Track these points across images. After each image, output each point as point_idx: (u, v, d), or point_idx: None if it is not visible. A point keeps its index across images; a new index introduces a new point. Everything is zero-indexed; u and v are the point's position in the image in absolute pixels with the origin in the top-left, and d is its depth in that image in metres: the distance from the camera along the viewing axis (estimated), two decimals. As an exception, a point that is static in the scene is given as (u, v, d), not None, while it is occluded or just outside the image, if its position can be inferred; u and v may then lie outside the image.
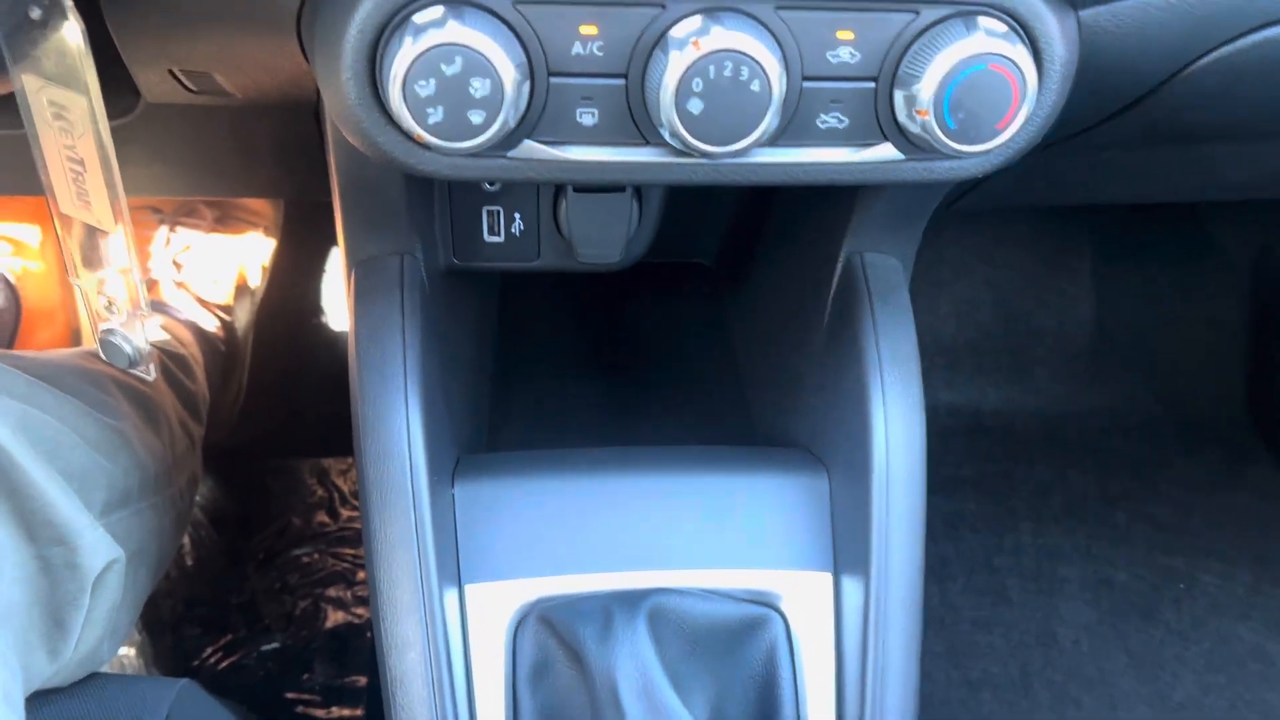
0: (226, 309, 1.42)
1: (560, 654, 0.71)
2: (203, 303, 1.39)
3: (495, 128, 0.57)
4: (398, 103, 0.56)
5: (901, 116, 0.61)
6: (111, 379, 0.97)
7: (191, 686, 0.77)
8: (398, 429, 0.70)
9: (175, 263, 1.38)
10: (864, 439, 0.74)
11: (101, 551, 0.72)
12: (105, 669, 0.81)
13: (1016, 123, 0.61)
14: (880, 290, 0.80)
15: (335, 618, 1.41)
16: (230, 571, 1.47)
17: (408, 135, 0.58)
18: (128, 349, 0.79)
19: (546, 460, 0.79)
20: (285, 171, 1.03)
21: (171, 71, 0.77)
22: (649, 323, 1.10)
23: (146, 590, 0.89)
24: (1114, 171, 1.11)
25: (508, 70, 0.56)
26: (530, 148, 0.61)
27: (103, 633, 0.75)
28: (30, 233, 1.47)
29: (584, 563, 0.73)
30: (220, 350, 1.39)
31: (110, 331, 0.78)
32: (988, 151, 0.62)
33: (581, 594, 0.71)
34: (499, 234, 0.85)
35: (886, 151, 0.63)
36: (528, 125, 0.60)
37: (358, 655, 1.37)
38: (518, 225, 0.84)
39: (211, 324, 1.39)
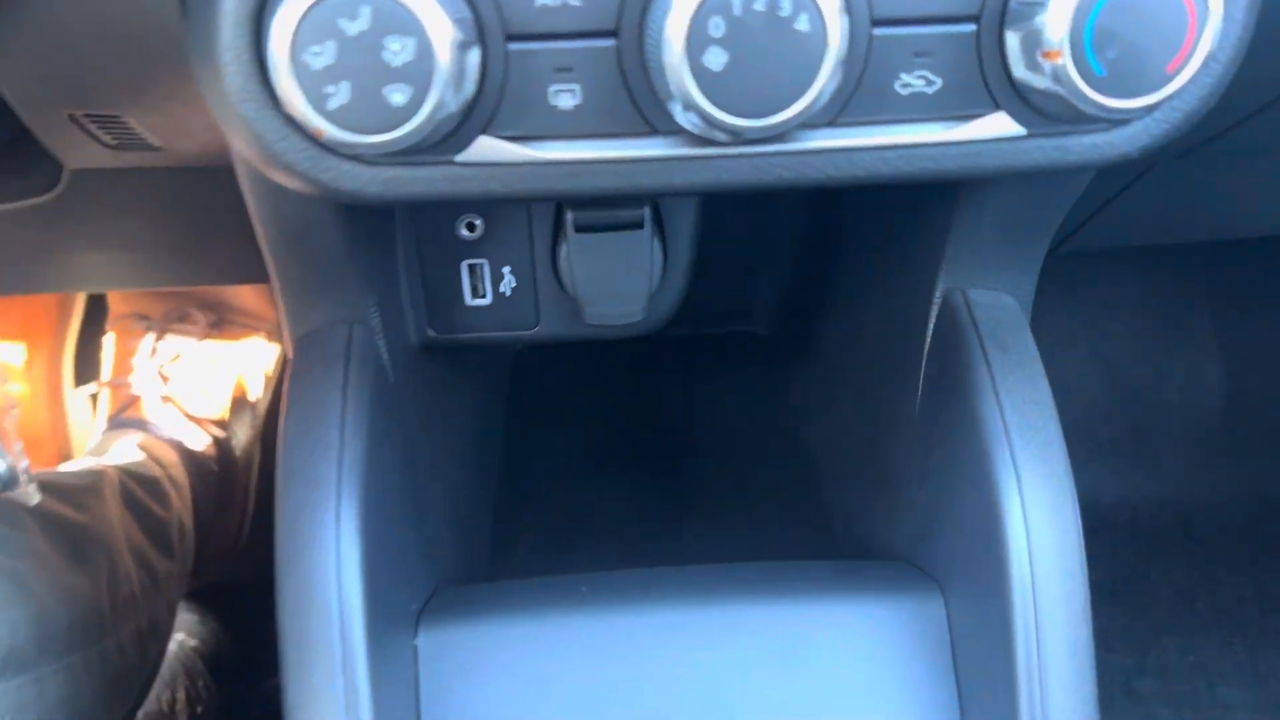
0: (221, 424, 1.25)
1: None
2: (192, 418, 1.21)
3: (426, 111, 0.39)
4: (286, 81, 0.39)
5: (1019, 69, 0.42)
6: (30, 510, 0.78)
7: None
8: (322, 561, 0.50)
9: (162, 375, 1.22)
10: (995, 542, 0.52)
11: None
12: None
13: (1194, 62, 0.41)
14: (995, 335, 0.59)
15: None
16: (232, 727, 1.26)
17: (306, 132, 0.41)
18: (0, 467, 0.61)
19: (554, 591, 0.58)
20: (251, 249, 0.86)
21: (74, 118, 0.61)
22: (693, 408, 0.89)
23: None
24: (1262, 192, 0.90)
25: (440, 25, 0.38)
26: (487, 146, 0.43)
27: None
28: (14, 351, 1.32)
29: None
30: (213, 471, 1.21)
31: (-22, 445, 0.60)
32: (1152, 109, 0.42)
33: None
34: (484, 295, 0.66)
35: (999, 125, 0.44)
36: (481, 113, 0.42)
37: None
38: (508, 283, 0.65)
39: (201, 442, 1.21)
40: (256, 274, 0.97)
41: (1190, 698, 1.25)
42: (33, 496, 0.61)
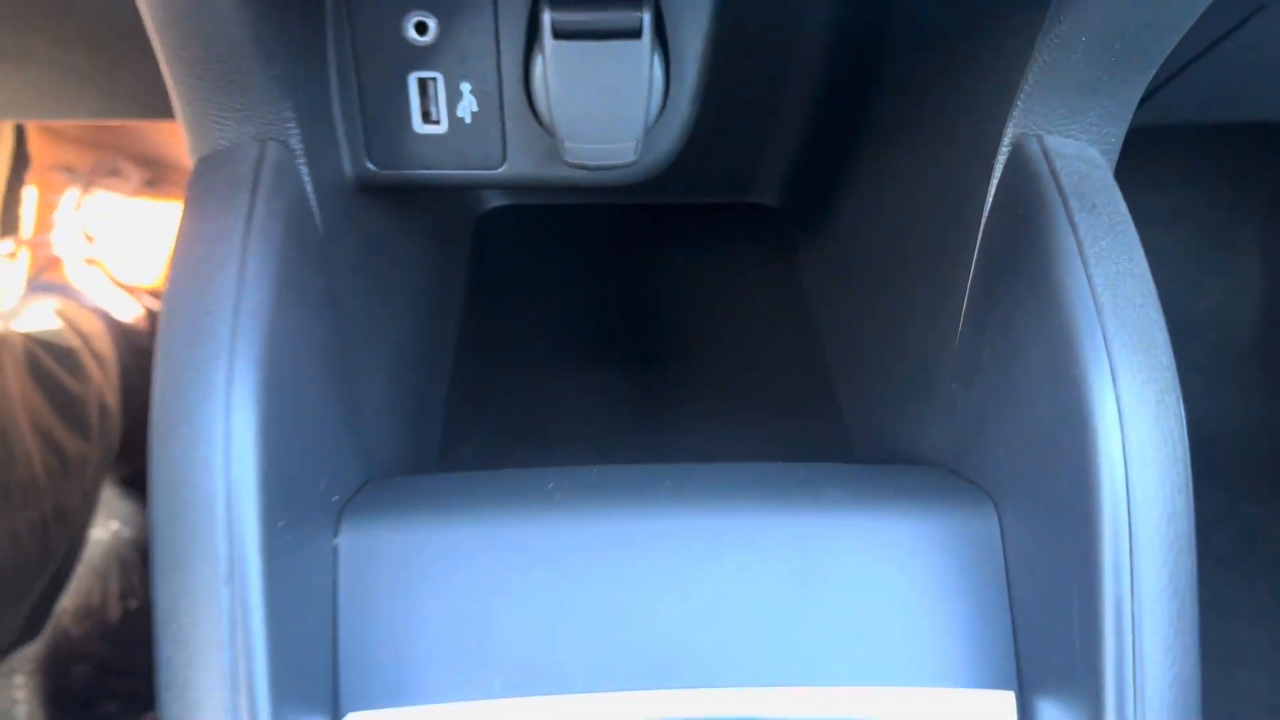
0: (156, 294, 1.12)
1: None
2: (121, 285, 1.08)
3: None
4: None
5: None
6: None
7: None
8: (207, 435, 0.38)
9: (87, 234, 1.08)
10: (1078, 450, 0.40)
11: None
12: None
13: None
14: (1081, 192, 0.46)
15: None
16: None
17: None
18: None
19: (513, 484, 0.46)
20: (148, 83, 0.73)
21: None
22: (687, 289, 0.76)
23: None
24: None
25: None
26: None
27: None
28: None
29: (564, 676, 0.40)
30: (143, 345, 1.08)
31: None
32: None
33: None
34: (438, 120, 0.52)
35: None
36: None
37: None
38: (467, 105, 0.52)
39: (132, 312, 1.08)
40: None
41: (1204, 640, 1.15)
42: None
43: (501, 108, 0.52)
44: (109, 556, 1.20)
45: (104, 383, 0.97)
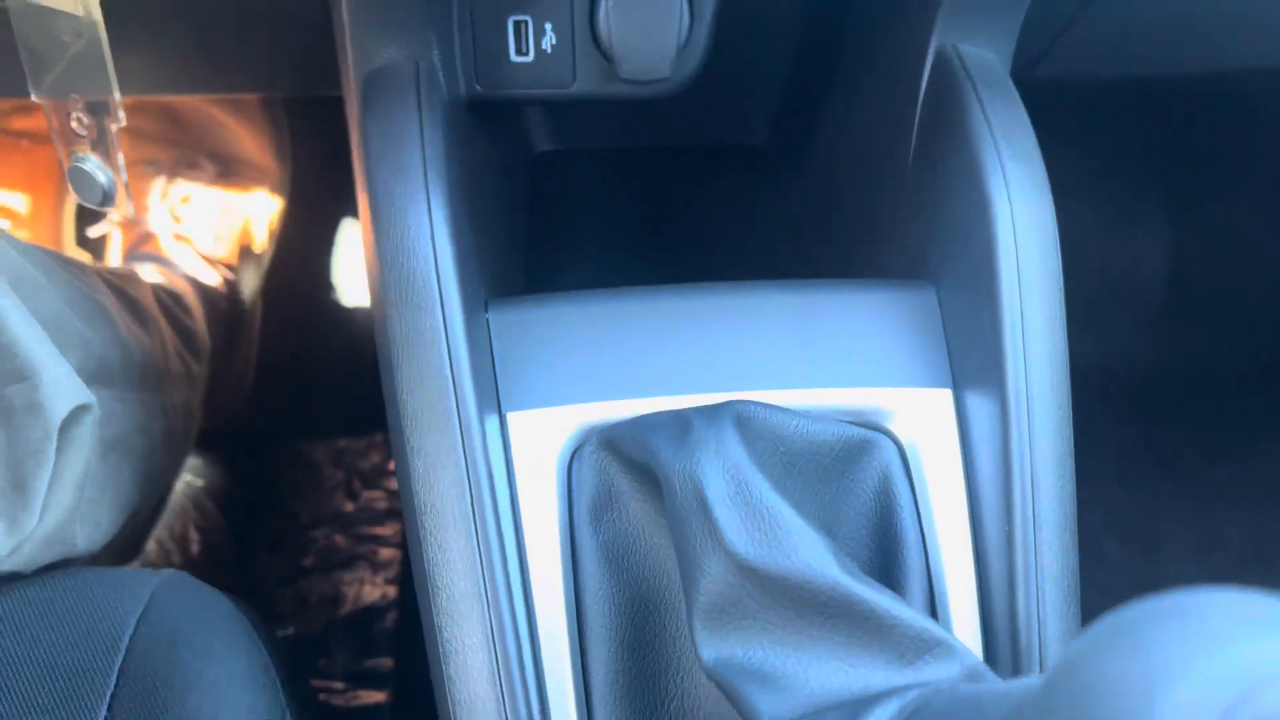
0: (230, 267, 1.31)
1: (627, 484, 0.57)
2: (204, 258, 1.27)
3: None
4: None
5: None
6: (96, 272, 0.85)
7: (179, 574, 0.63)
8: (419, 222, 0.58)
9: (174, 214, 1.27)
10: (984, 234, 0.61)
11: (68, 392, 0.59)
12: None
13: None
14: (984, 78, 0.67)
15: (355, 601, 1.26)
16: (238, 558, 1.33)
17: None
18: (101, 178, 0.67)
19: (597, 293, 0.65)
20: (282, 49, 0.92)
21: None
22: (700, 207, 0.97)
23: (132, 496, 0.75)
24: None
25: None
26: None
27: (73, 504, 0.62)
28: (18, 201, 1.37)
29: (649, 386, 0.60)
30: (223, 309, 1.27)
31: (82, 158, 0.67)
32: None
33: (648, 414, 0.58)
34: (527, 52, 0.73)
35: None
36: None
37: (380, 638, 1.22)
38: (549, 39, 0.72)
39: (213, 279, 1.27)
40: (289, 80, 1.03)
41: (1134, 532, 1.36)
42: (130, 209, 0.67)
43: (573, 41, 0.72)
44: (184, 500, 1.37)
45: (203, 326, 1.15)
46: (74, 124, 0.65)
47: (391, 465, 1.41)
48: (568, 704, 0.53)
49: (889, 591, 0.47)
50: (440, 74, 0.68)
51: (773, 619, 0.47)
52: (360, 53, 0.68)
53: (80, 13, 0.63)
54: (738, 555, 0.48)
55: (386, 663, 1.19)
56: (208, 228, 1.29)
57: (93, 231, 1.34)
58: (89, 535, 0.66)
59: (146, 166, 1.29)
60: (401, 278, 0.57)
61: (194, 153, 1.31)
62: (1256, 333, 1.57)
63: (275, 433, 1.44)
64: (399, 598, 1.26)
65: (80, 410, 0.60)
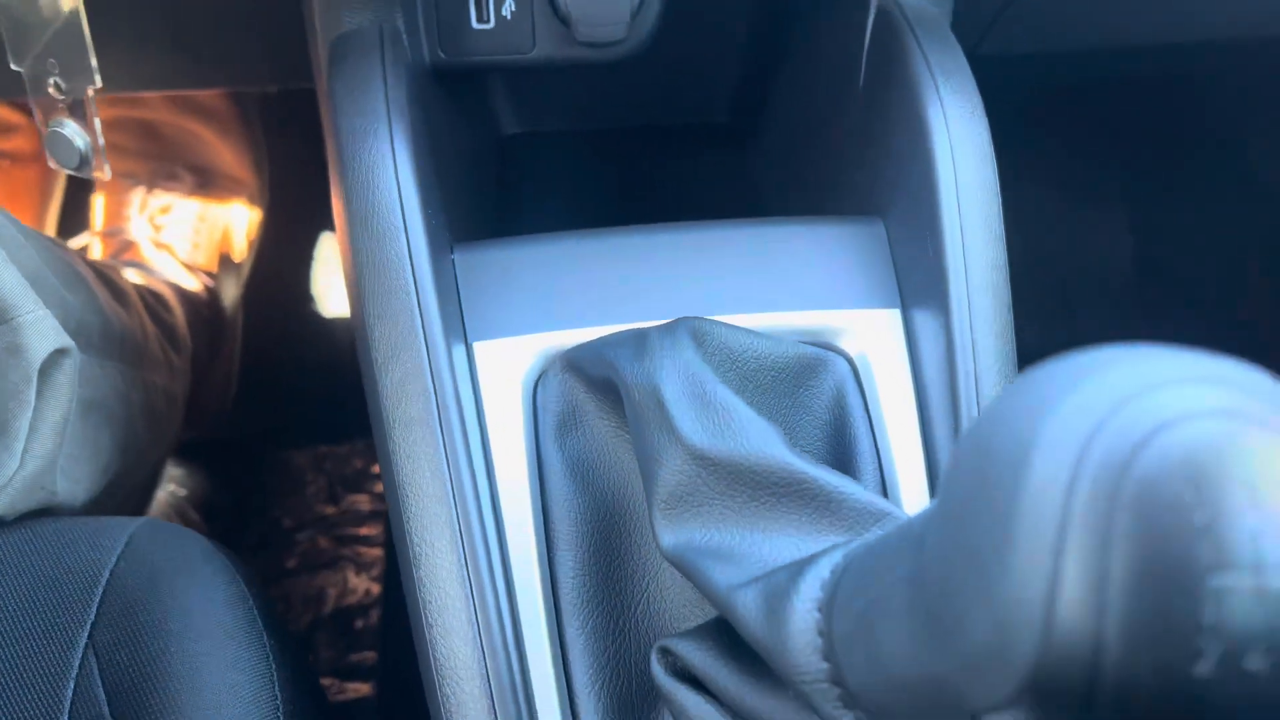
0: (210, 274, 1.33)
1: (591, 403, 0.59)
2: (185, 265, 1.29)
3: None
4: None
5: None
6: (76, 253, 0.87)
7: (157, 519, 0.65)
8: (382, 157, 0.60)
9: (153, 223, 1.30)
10: (925, 159, 0.64)
11: (47, 335, 0.61)
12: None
13: None
14: (922, 24, 0.70)
15: (338, 599, 1.27)
16: (223, 562, 1.33)
17: None
18: (79, 143, 0.69)
19: (559, 235, 0.68)
20: (261, 45, 0.95)
21: None
22: (666, 186, 1.00)
23: (112, 460, 0.76)
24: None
25: None
26: None
27: (53, 449, 0.63)
28: None
29: (610, 315, 0.62)
30: (204, 316, 1.29)
31: (60, 123, 0.69)
32: None
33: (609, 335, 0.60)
34: (488, 20, 0.76)
35: None
36: None
37: (365, 633, 1.23)
38: (509, 6, 0.76)
39: (194, 285, 1.29)
40: (267, 72, 1.05)
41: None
42: (106, 172, 0.70)
43: (532, 6, 0.75)
44: (168, 510, 1.38)
45: (184, 325, 1.17)
46: (51, 90, 0.68)
47: (375, 469, 1.43)
48: (537, 605, 0.54)
49: (838, 472, 0.49)
50: (405, 38, 0.71)
51: (728, 504, 0.49)
52: (327, 19, 0.71)
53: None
54: (693, 446, 0.50)
55: (371, 656, 1.20)
56: (187, 236, 1.31)
57: (73, 243, 1.36)
58: (69, 489, 0.68)
59: (126, 180, 1.31)
60: (367, 209, 0.59)
61: (172, 165, 1.34)
62: (1221, 317, 1.61)
63: (258, 441, 1.46)
64: (382, 594, 1.27)
65: (59, 354, 0.62)
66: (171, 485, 1.40)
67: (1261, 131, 1.61)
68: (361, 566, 1.31)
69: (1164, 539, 0.23)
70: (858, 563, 0.37)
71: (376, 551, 1.32)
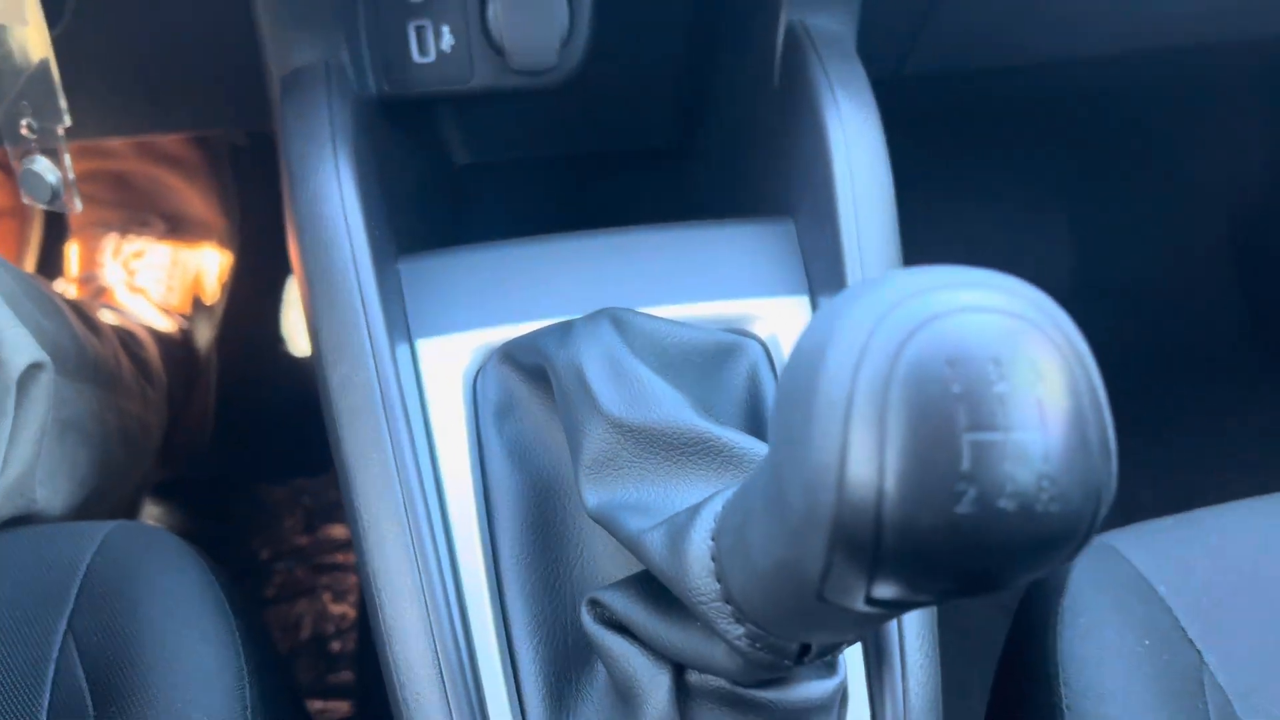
0: (185, 316, 1.38)
1: (526, 392, 0.64)
2: (158, 307, 1.35)
3: None
4: None
5: None
6: (54, 289, 0.92)
7: (128, 522, 0.70)
8: (327, 177, 0.66)
9: (127, 268, 1.35)
10: (824, 160, 0.70)
11: (24, 349, 0.66)
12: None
13: None
14: (827, 46, 0.77)
15: (315, 625, 1.31)
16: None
17: None
18: (50, 178, 0.75)
19: (496, 243, 0.74)
20: (226, 89, 1.01)
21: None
22: (613, 209, 1.06)
23: (89, 476, 0.81)
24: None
25: None
26: None
27: (32, 458, 0.68)
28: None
29: (543, 310, 0.68)
30: (179, 357, 1.34)
31: (32, 160, 0.75)
32: None
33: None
34: (429, 54, 0.82)
35: None
36: None
37: (342, 655, 1.26)
38: (446, 40, 0.82)
39: (168, 327, 1.34)
40: (226, 116, 1.11)
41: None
42: (77, 205, 0.75)
43: (469, 40, 0.82)
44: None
45: (159, 364, 1.22)
46: (24, 130, 0.73)
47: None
48: (479, 572, 0.59)
49: (742, 433, 0.55)
50: (350, 71, 0.77)
51: (645, 465, 0.55)
52: (278, 58, 0.77)
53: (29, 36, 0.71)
54: (612, 416, 0.55)
55: (348, 676, 1.23)
56: (161, 280, 1.37)
57: (50, 292, 1.41)
58: (48, 498, 0.73)
59: (99, 228, 1.37)
60: (314, 223, 0.65)
61: (144, 212, 1.39)
62: (1161, 324, 1.67)
63: (234, 478, 1.50)
64: (359, 618, 1.31)
65: (35, 368, 0.67)
66: (150, 523, 1.44)
67: (1190, 135, 1.69)
68: (338, 593, 1.35)
69: (928, 406, 0.29)
70: (740, 490, 0.43)
71: (352, 578, 1.36)
